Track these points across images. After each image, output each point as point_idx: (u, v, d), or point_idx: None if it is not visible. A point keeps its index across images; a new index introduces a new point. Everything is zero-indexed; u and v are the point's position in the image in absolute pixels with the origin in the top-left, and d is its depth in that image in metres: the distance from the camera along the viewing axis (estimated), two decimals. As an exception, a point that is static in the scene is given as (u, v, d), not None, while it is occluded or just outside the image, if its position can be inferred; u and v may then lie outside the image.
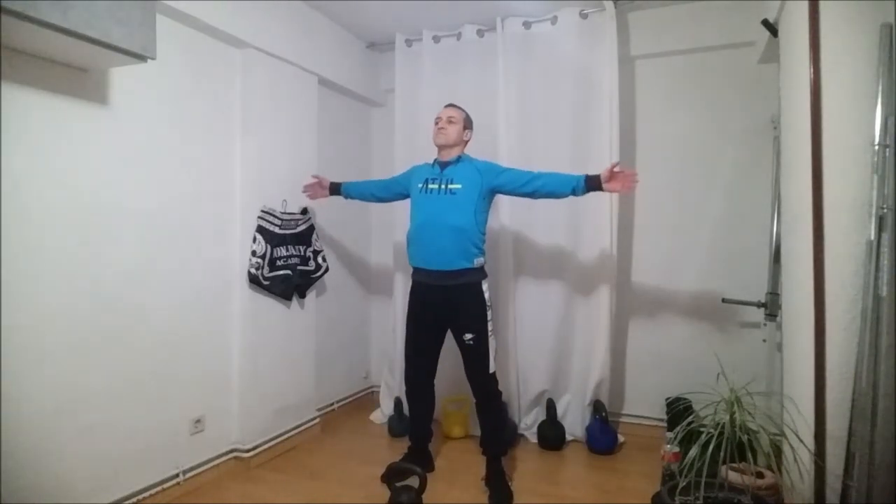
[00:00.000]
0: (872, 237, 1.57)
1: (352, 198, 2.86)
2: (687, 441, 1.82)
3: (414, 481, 2.08)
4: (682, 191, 3.00)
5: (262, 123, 2.70)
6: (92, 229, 1.99)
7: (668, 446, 2.20)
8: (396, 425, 3.10)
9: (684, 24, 2.89)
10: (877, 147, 1.58)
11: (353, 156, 3.58)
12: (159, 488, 2.24)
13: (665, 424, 2.82)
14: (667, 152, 3.02)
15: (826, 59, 1.67)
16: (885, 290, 1.53)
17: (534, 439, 2.96)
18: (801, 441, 1.66)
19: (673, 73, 3.01)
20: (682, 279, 3.00)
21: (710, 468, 1.59)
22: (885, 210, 1.55)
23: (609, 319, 2.87)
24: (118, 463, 2.08)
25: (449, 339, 2.47)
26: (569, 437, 2.95)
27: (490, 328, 2.38)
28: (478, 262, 2.38)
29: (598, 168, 2.29)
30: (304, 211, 2.95)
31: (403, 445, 2.70)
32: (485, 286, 2.39)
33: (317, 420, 3.10)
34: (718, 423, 1.65)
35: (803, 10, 1.72)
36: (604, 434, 2.82)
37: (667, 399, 2.87)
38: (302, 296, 2.93)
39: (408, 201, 2.57)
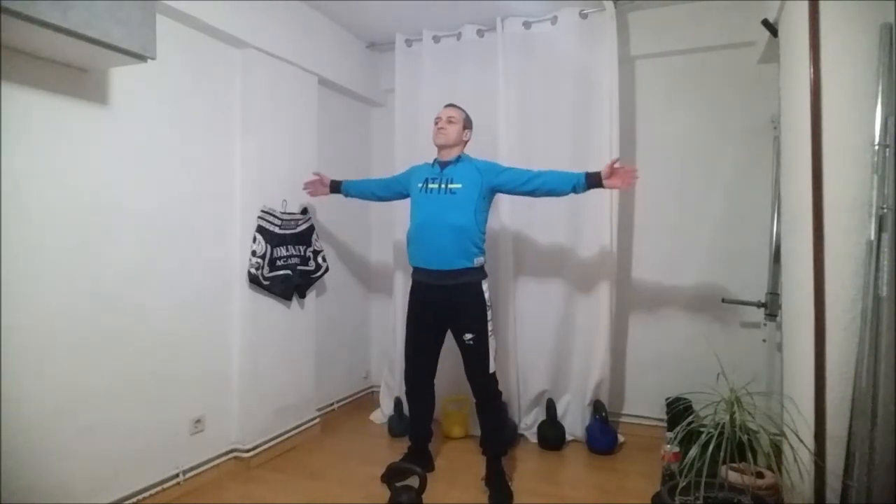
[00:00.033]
0: (872, 237, 1.57)
1: (352, 196, 2.86)
2: (687, 441, 1.82)
3: (414, 481, 2.08)
4: (682, 191, 3.00)
5: (262, 123, 2.70)
6: (92, 229, 1.99)
7: (668, 446, 2.20)
8: (396, 425, 3.10)
9: (684, 24, 2.89)
10: (877, 147, 1.58)
11: (353, 156, 3.58)
12: (159, 488, 2.24)
13: (665, 424, 2.82)
14: (667, 152, 3.02)
15: (826, 59, 1.67)
16: (885, 290, 1.53)
17: (534, 439, 2.96)
18: (801, 441, 1.66)
19: (673, 73, 3.01)
20: (682, 279, 3.00)
21: (710, 468, 1.59)
22: (885, 210, 1.55)
23: (609, 319, 2.87)
24: (118, 463, 2.08)
25: (449, 339, 2.47)
26: (569, 437, 2.95)
27: (490, 328, 2.38)
28: (478, 261, 2.38)
29: (598, 168, 2.29)
30: (304, 211, 2.95)
31: (403, 445, 2.70)
32: (485, 286, 2.39)
33: (317, 420, 3.10)
34: (718, 423, 1.65)
35: (803, 10, 1.72)
36: (604, 434, 2.82)
37: (667, 399, 2.87)
38: (302, 296, 2.93)
39: (408, 201, 2.57)
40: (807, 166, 1.69)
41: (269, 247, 2.66)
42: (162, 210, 2.26)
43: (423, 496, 2.08)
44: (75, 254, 1.93)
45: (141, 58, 1.81)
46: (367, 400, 3.69)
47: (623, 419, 3.11)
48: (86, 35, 1.61)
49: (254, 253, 2.61)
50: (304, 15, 2.95)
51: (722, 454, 1.63)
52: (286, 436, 2.85)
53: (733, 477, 1.77)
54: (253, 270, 2.59)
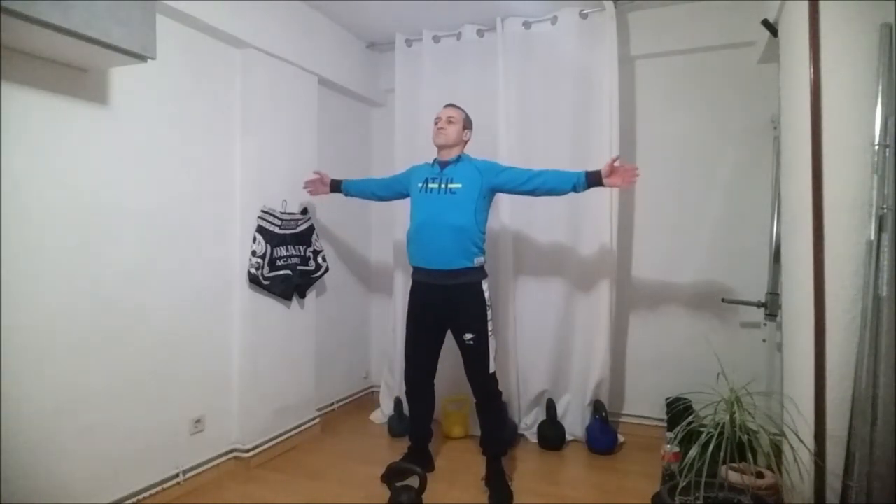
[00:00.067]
0: (872, 237, 1.57)
1: (352, 195, 2.86)
2: (687, 441, 1.82)
3: (414, 481, 2.08)
4: (682, 191, 3.00)
5: (262, 123, 2.70)
6: (92, 229, 1.99)
7: (668, 446, 2.20)
8: (396, 425, 3.10)
9: (684, 24, 2.89)
10: (877, 147, 1.58)
11: (353, 156, 3.58)
12: (159, 488, 2.24)
13: (665, 424, 2.82)
14: (667, 152, 3.02)
15: (826, 59, 1.67)
16: (885, 290, 1.53)
17: (534, 439, 2.96)
18: (801, 441, 1.66)
19: (673, 73, 3.01)
20: (682, 279, 3.00)
21: (710, 468, 1.59)
22: (885, 210, 1.55)
23: (609, 319, 2.87)
24: (118, 463, 2.08)
25: (449, 339, 2.47)
26: (569, 437, 2.95)
27: (490, 328, 2.38)
28: (478, 261, 2.38)
29: (598, 167, 2.29)
30: (304, 211, 2.95)
31: (403, 445, 2.70)
32: (485, 286, 2.39)
33: (317, 420, 3.10)
34: (718, 423, 1.65)
35: (803, 10, 1.72)
36: (604, 434, 2.82)
37: (667, 399, 2.87)
38: (302, 296, 2.93)
39: (408, 200, 2.57)
40: (807, 166, 1.69)
41: (269, 247, 2.66)
42: (162, 210, 2.26)
43: (423, 496, 2.08)
44: (75, 254, 1.93)
45: (141, 58, 1.81)
46: (367, 400, 3.69)
47: (623, 419, 3.11)
48: (86, 35, 1.61)
49: (254, 253, 2.61)
50: (304, 15, 2.95)
51: (722, 454, 1.63)
52: (286, 436, 2.85)
53: (733, 477, 1.77)
54: (253, 270, 2.59)
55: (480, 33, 3.14)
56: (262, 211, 2.67)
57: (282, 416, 2.83)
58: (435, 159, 2.49)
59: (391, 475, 2.21)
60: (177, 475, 2.32)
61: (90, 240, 1.98)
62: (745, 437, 1.65)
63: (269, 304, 2.73)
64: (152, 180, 2.22)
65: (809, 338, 1.68)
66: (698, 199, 2.96)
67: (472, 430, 3.03)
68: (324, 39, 3.12)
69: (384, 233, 3.60)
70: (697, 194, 2.97)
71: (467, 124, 2.50)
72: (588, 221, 2.93)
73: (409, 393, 2.59)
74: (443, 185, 2.40)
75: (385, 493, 2.16)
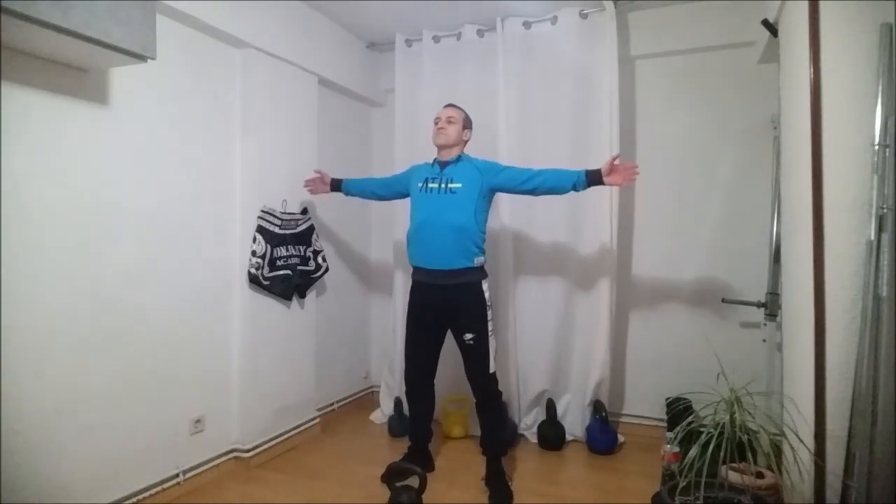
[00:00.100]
0: (872, 237, 1.57)
1: (352, 195, 2.86)
2: (687, 441, 1.82)
3: (414, 481, 2.08)
4: (682, 191, 3.00)
5: (262, 123, 2.70)
6: (92, 229, 1.99)
7: (668, 446, 2.20)
8: (396, 425, 3.10)
9: (684, 24, 2.89)
10: (877, 147, 1.58)
11: (353, 156, 3.58)
12: (159, 488, 2.24)
13: (665, 424, 2.82)
14: (667, 152, 3.02)
15: (826, 59, 1.67)
16: (885, 290, 1.53)
17: (534, 439, 2.96)
18: (801, 441, 1.66)
19: (673, 73, 3.01)
20: (682, 279, 3.00)
21: (710, 468, 1.59)
22: (885, 210, 1.55)
23: (609, 319, 2.87)
24: (118, 463, 2.08)
25: (449, 339, 2.47)
26: (569, 437, 2.95)
27: (490, 328, 2.38)
28: (478, 261, 2.38)
29: (598, 167, 2.29)
30: (304, 211, 2.95)
31: (403, 445, 2.70)
32: (485, 286, 2.38)
33: (317, 420, 3.10)
34: (718, 423, 1.65)
35: (803, 10, 1.72)
36: (604, 434, 2.82)
37: (667, 399, 2.87)
38: (302, 296, 2.93)
39: (408, 200, 2.57)
40: (807, 166, 1.69)
41: (269, 247, 2.66)
42: (162, 210, 2.26)
43: (423, 496, 2.08)
44: (75, 254, 1.93)
45: (141, 58, 1.81)
46: (367, 400, 3.69)
47: (623, 419, 3.11)
48: (86, 35, 1.61)
49: (254, 253, 2.61)
50: (304, 15, 2.95)
51: (722, 454, 1.63)
52: (286, 436, 2.85)
53: (733, 477, 1.77)
54: (253, 270, 2.59)
55: (480, 33, 3.14)
56: (262, 211, 2.67)
57: (282, 416, 2.83)
58: (435, 159, 2.49)
59: (391, 475, 2.21)
60: (177, 475, 2.32)
61: (90, 240, 1.98)
62: (745, 437, 1.65)
63: (269, 304, 2.73)
64: (152, 180, 2.22)
65: (809, 338, 1.68)
66: (698, 198, 2.96)
67: (472, 430, 3.03)
68: (324, 39, 3.12)
69: (384, 232, 3.60)
70: (697, 194, 2.97)
71: (467, 124, 2.50)
72: (588, 221, 2.93)
73: (409, 393, 2.59)
74: (443, 185, 2.40)
75: (385, 493, 2.16)
